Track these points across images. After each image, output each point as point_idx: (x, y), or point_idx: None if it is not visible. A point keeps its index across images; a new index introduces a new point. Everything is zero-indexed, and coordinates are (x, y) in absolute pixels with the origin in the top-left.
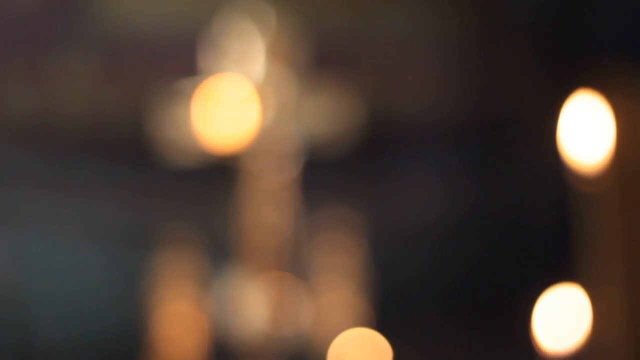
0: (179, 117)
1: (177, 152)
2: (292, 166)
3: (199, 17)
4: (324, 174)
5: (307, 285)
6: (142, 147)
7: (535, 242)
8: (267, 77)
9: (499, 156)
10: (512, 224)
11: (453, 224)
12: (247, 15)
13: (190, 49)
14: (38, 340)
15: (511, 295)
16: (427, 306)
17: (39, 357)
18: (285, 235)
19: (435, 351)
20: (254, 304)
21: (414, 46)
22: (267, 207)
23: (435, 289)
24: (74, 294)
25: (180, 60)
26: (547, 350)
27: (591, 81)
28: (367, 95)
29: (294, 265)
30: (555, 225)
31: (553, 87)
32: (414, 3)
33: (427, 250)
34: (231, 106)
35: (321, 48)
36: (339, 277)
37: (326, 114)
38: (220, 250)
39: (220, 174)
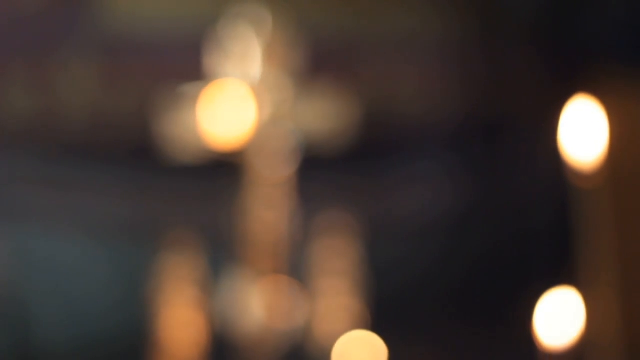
0: (180, 116)
1: (179, 149)
2: (289, 164)
3: (200, 19)
4: (322, 174)
5: (304, 285)
6: (145, 145)
7: (535, 240)
8: (265, 78)
9: (498, 155)
10: (511, 224)
11: (452, 224)
12: (246, 18)
13: (192, 51)
14: (39, 339)
15: (510, 294)
16: (426, 306)
17: (40, 355)
18: (283, 233)
19: (434, 351)
20: (253, 301)
21: (413, 47)
22: (266, 203)
23: (433, 290)
24: (75, 292)
25: (182, 61)
26: (546, 347)
27: (588, 83)
28: (365, 95)
29: (291, 265)
30: (555, 224)
31: (551, 88)
32: (412, 5)
33: (425, 250)
34: (230, 106)
35: (319, 48)
36: (336, 278)
37: (324, 114)
38: (221, 247)
39: (220, 171)
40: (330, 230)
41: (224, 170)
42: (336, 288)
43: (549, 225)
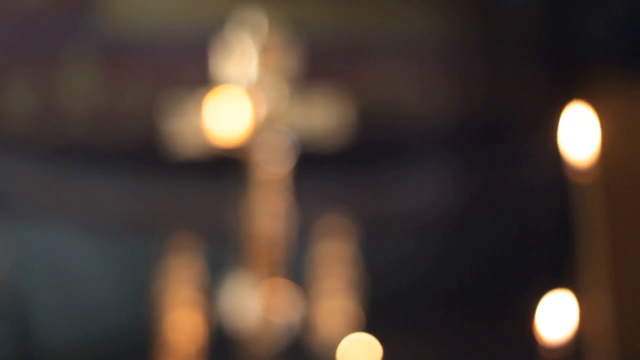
0: (181, 115)
1: (180, 148)
2: (287, 165)
3: (200, 22)
4: (320, 174)
5: (302, 287)
6: (146, 144)
7: (534, 238)
8: (262, 80)
9: (497, 155)
10: (511, 222)
11: (451, 223)
12: (244, 21)
13: (192, 52)
14: (40, 337)
15: (510, 292)
16: (426, 305)
17: (42, 353)
18: (281, 233)
19: (434, 349)
20: (252, 300)
21: (411, 49)
22: (265, 204)
23: (433, 288)
24: (77, 290)
25: (183, 63)
26: (545, 343)
27: (585, 84)
28: (363, 96)
29: (290, 266)
30: (554, 221)
31: (550, 88)
32: (411, 7)
33: (425, 249)
34: (228, 107)
35: (318, 50)
36: (334, 280)
37: (322, 115)
38: (222, 245)
39: (219, 171)
40: (329, 232)
41: (223, 170)
42: (334, 290)
43: (548, 223)
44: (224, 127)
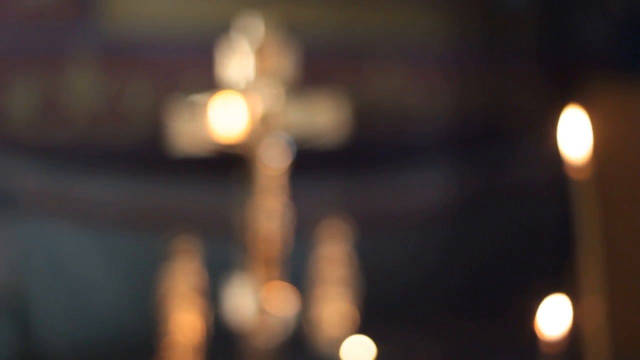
0: (182, 116)
1: (181, 146)
2: (285, 166)
3: (200, 25)
4: (318, 175)
5: (301, 288)
6: (148, 143)
7: (534, 237)
8: (260, 82)
9: (496, 154)
10: (510, 222)
11: (450, 223)
12: (243, 24)
13: (194, 54)
14: (42, 335)
15: (510, 290)
16: (425, 304)
17: (43, 351)
18: (279, 235)
19: (433, 347)
20: (252, 300)
21: (410, 50)
22: (264, 205)
23: (432, 288)
24: (79, 288)
25: (184, 64)
26: (544, 339)
27: (581, 86)
28: (362, 95)
29: (289, 267)
30: (553, 220)
31: (547, 90)
32: (409, 10)
33: (424, 248)
34: (226, 109)
35: (316, 51)
36: (333, 282)
37: (320, 116)
38: (223, 243)
39: (220, 167)
40: (328, 231)
41: (223, 169)
42: (333, 289)
43: (546, 221)
44: (223, 127)
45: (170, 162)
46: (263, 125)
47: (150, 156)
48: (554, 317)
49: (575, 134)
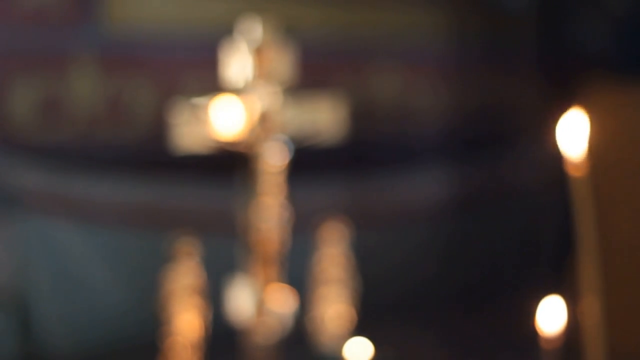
0: (182, 114)
1: (181, 145)
2: (283, 166)
3: (200, 26)
4: (316, 173)
5: (300, 282)
6: (150, 142)
7: (532, 237)
8: (258, 83)
9: (494, 154)
10: (508, 221)
11: (449, 222)
12: (242, 26)
13: (193, 55)
14: (42, 333)
15: (509, 288)
16: (423, 304)
17: (44, 350)
18: (278, 236)
19: (432, 343)
20: (252, 299)
21: (409, 51)
22: (263, 195)
23: (433, 285)
24: (80, 287)
25: (184, 65)
26: (543, 334)
27: (580, 87)
28: (362, 96)
29: (287, 262)
30: (551, 220)
31: (547, 91)
32: (408, 12)
33: (424, 247)
34: (227, 107)
35: (315, 51)
36: (332, 283)
37: (318, 115)
38: (224, 241)
39: (220, 167)
40: (327, 233)
41: (222, 169)
42: (332, 291)
43: (545, 221)
44: (223, 127)
45: (171, 163)
46: (263, 126)
47: (151, 156)
48: (553, 314)
49: (574, 134)
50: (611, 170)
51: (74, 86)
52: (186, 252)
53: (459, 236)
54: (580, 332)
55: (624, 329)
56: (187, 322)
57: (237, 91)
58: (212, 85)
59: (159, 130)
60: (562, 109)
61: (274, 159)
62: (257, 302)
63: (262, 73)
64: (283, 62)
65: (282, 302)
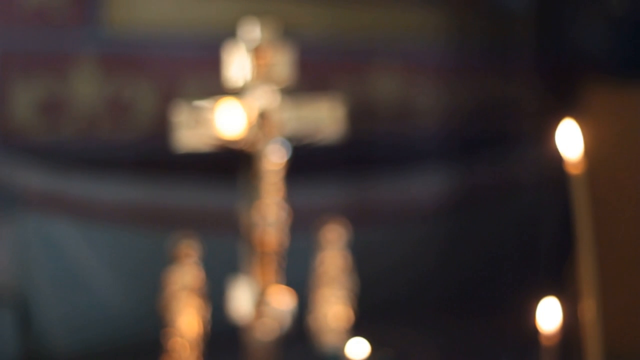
0: (183, 114)
1: (181, 145)
2: (282, 166)
3: (200, 28)
4: (315, 173)
5: (300, 281)
6: (150, 142)
7: (531, 236)
8: (257, 84)
9: (493, 154)
10: (508, 221)
11: (449, 222)
12: (241, 27)
13: (193, 55)
14: (43, 332)
15: (509, 288)
16: (421, 305)
17: (44, 348)
18: (278, 236)
19: (432, 344)
20: (251, 292)
21: (409, 51)
22: (263, 193)
23: (432, 287)
24: (80, 286)
25: (185, 66)
26: (542, 332)
27: (579, 89)
28: (363, 96)
29: (287, 261)
30: (551, 220)
31: (546, 92)
32: (410, 12)
33: (424, 247)
34: (227, 107)
35: (315, 51)
36: (332, 284)
37: (317, 115)
38: (225, 240)
39: (219, 167)
40: (327, 233)
41: (221, 169)
42: (332, 290)
43: (544, 220)
44: (223, 128)
45: (171, 162)
46: (262, 126)
47: (151, 156)
48: (552, 313)
49: (573, 134)
50: (610, 170)
51: (74, 87)
52: (188, 251)
53: (458, 236)
54: (579, 332)
55: (623, 329)
56: (186, 322)
57: (237, 92)
58: (212, 85)
59: (159, 131)
60: (562, 109)
61: (273, 159)
62: (257, 301)
63: (261, 73)
64: (282, 62)
65: (281, 301)
